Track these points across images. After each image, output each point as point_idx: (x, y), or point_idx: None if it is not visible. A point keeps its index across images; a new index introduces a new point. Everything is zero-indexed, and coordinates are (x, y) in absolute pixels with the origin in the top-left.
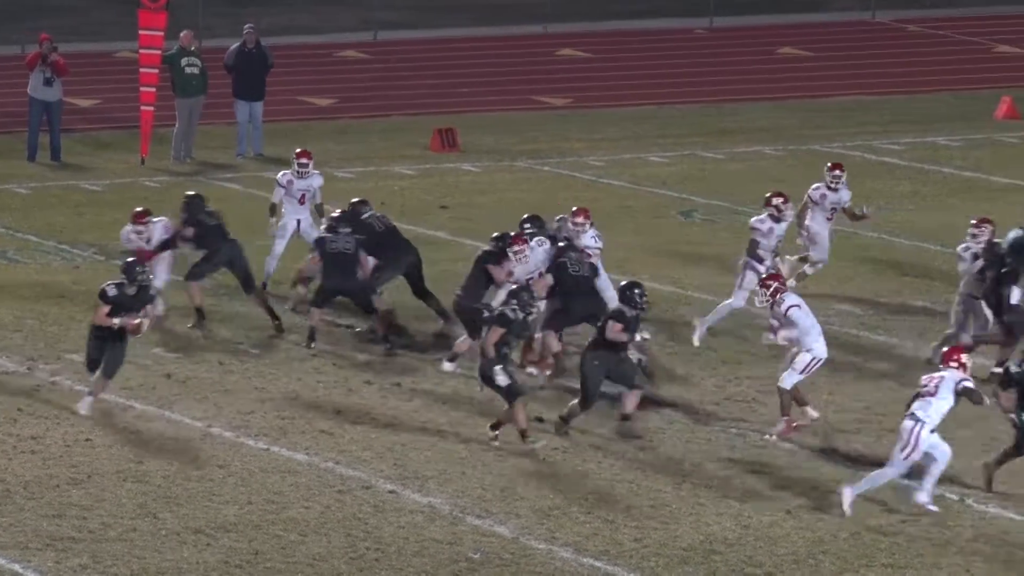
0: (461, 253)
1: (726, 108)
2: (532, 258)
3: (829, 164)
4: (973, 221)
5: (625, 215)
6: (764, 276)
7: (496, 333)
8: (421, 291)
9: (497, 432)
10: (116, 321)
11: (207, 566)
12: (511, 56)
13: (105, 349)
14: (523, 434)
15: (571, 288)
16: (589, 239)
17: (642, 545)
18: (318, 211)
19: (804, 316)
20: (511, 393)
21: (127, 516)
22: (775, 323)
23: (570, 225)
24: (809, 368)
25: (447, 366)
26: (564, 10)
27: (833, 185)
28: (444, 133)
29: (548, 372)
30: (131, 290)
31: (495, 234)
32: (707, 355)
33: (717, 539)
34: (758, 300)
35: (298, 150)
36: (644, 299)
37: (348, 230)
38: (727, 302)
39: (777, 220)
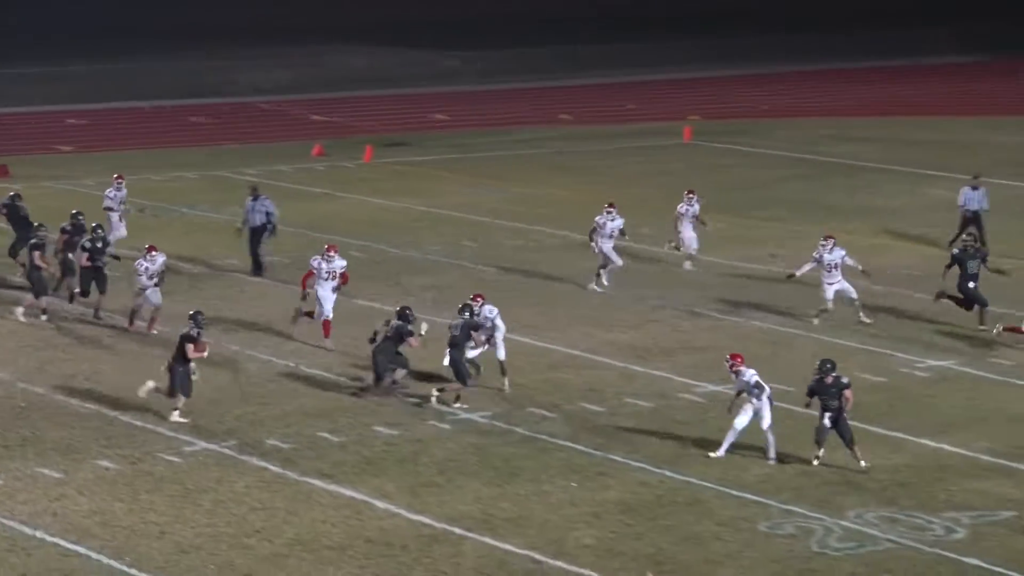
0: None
1: (167, 152)
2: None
3: (607, 203)
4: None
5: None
6: (475, 294)
7: (473, 333)
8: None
9: (458, 402)
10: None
11: None
12: (40, 123)
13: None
14: (458, 398)
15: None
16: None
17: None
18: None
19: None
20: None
21: None
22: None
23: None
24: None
25: (19, 311)
26: (71, 95)
27: (609, 217)
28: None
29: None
30: (196, 331)
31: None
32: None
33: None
34: (476, 308)
35: (116, 174)
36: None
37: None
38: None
39: (612, 219)
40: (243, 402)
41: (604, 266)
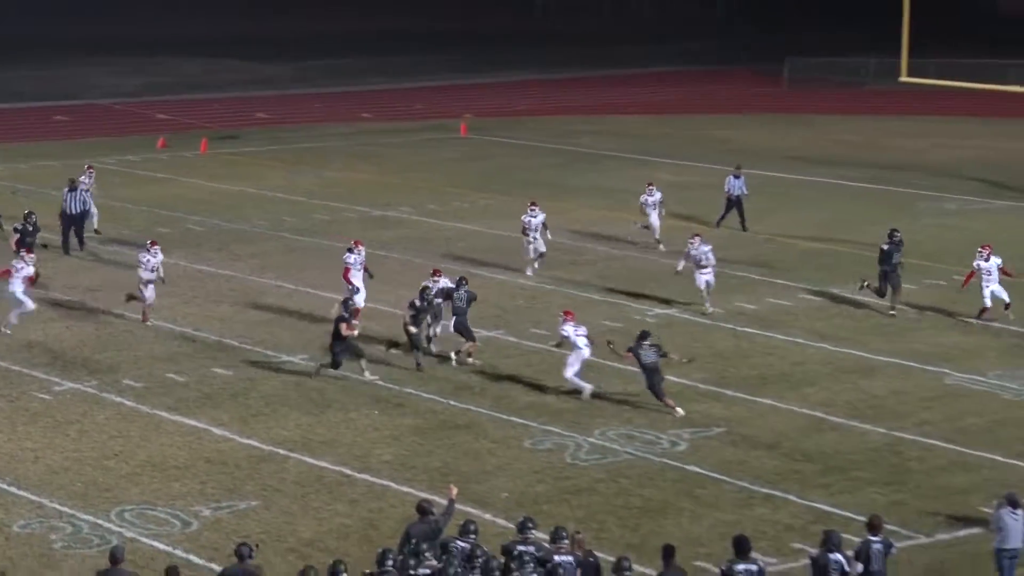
0: None
1: (35, 145)
2: None
3: (530, 201)
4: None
5: None
6: (434, 268)
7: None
8: None
9: (471, 357)
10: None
11: None
12: None
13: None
14: (470, 354)
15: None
16: None
17: None
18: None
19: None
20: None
21: None
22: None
23: None
24: None
25: None
26: None
27: (532, 214)
28: None
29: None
30: (346, 314)
31: None
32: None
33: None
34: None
35: (87, 164)
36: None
37: None
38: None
39: (535, 215)
40: (102, 349)
41: (540, 255)
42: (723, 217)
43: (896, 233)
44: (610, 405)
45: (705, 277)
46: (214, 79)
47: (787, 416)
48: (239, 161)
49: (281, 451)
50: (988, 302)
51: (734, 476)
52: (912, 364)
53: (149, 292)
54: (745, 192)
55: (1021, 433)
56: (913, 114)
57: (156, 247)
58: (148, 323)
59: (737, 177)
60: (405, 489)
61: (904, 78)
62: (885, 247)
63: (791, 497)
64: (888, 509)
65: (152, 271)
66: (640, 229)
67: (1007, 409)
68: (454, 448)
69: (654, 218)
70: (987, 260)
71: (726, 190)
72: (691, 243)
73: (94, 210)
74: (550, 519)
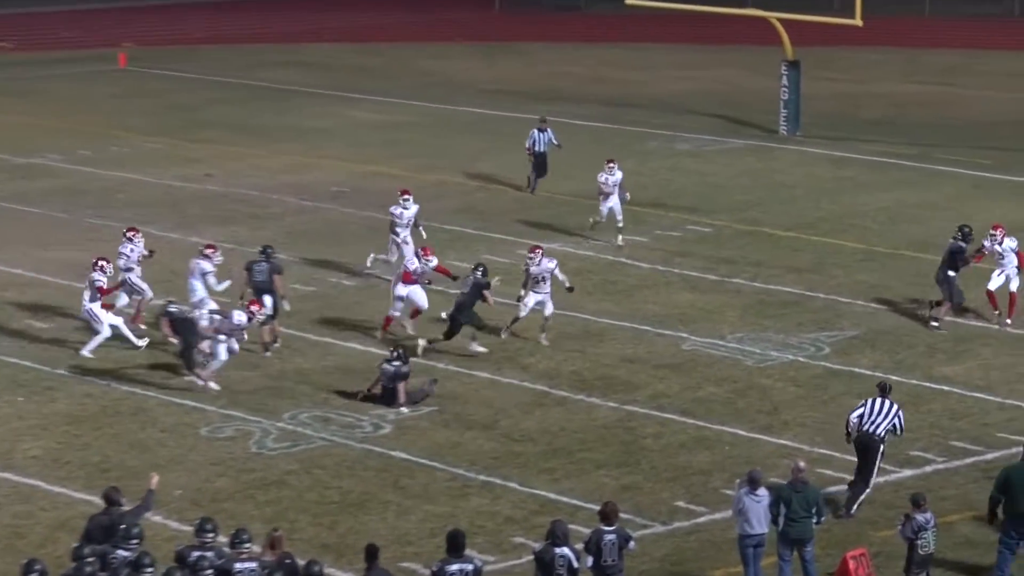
0: None
1: None
2: None
3: (400, 189)
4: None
5: None
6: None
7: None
8: None
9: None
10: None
11: None
12: None
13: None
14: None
15: None
16: None
17: None
18: None
19: None
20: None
21: None
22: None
23: None
24: None
25: None
26: None
27: (404, 205)
28: None
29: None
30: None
31: None
32: None
33: None
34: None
35: None
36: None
37: None
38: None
39: (407, 207)
40: None
41: (385, 261)
42: (531, 180)
43: (967, 229)
44: (303, 384)
45: (538, 297)
46: None
47: (505, 391)
48: None
49: None
50: (992, 287)
51: (446, 462)
52: (645, 328)
53: (144, 285)
54: (556, 143)
55: (764, 404)
56: (638, 42)
57: (138, 234)
58: (143, 326)
59: (543, 131)
60: (57, 489)
61: (630, 1)
62: (963, 244)
63: (511, 484)
64: (620, 494)
65: (139, 263)
66: (594, 223)
67: (749, 376)
68: (117, 439)
69: (615, 202)
70: (1001, 243)
71: (528, 146)
72: (530, 258)
73: None
74: (233, 519)
